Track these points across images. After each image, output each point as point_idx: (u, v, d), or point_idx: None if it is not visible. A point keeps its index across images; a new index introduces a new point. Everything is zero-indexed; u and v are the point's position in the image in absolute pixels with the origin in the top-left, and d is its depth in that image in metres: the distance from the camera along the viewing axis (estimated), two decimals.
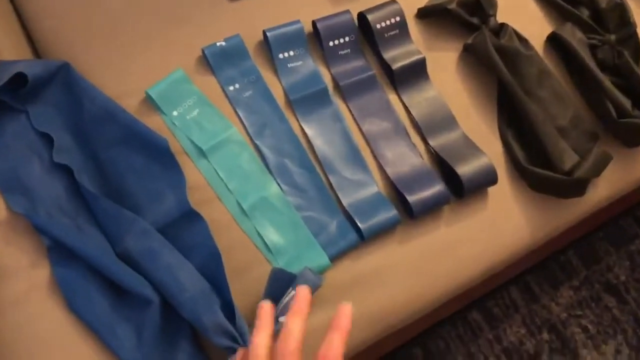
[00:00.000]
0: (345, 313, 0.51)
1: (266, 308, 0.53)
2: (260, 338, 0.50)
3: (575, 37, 0.80)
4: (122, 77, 0.70)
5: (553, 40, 0.81)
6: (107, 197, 0.65)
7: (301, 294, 0.53)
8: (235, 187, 0.67)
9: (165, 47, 0.72)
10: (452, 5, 0.77)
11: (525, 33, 0.79)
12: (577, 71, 0.80)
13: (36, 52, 0.73)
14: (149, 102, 0.69)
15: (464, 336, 1.14)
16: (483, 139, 0.75)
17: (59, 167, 0.64)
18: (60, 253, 0.61)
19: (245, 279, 0.64)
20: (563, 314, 1.18)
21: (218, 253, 0.62)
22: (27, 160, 0.64)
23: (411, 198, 0.68)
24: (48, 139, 0.65)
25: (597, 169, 0.74)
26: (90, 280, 0.60)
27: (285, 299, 0.62)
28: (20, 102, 0.66)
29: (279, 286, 0.62)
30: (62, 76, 0.68)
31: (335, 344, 0.48)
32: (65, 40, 0.71)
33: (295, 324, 0.49)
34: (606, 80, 0.76)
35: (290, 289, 0.62)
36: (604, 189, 0.78)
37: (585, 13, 0.82)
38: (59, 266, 0.60)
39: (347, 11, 0.75)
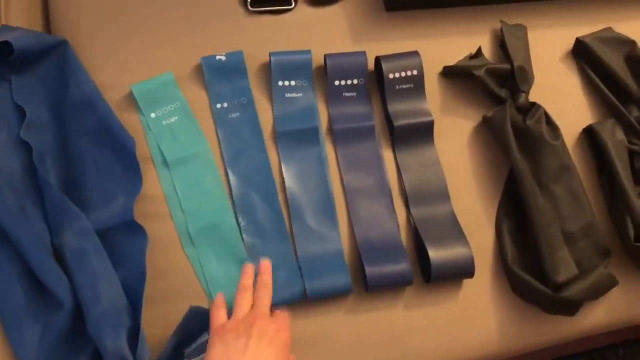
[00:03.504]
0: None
1: (249, 271, 0.57)
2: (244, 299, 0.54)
3: (614, 137, 0.70)
4: (116, 68, 0.68)
5: (589, 135, 0.72)
6: (63, 184, 0.64)
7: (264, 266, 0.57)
8: (188, 207, 0.63)
9: (168, 48, 0.69)
10: (480, 72, 0.69)
11: (560, 119, 0.70)
12: (606, 175, 0.70)
13: (48, 24, 0.72)
14: (133, 99, 0.67)
15: None
16: (475, 224, 0.67)
17: (24, 143, 0.63)
18: None
19: (171, 305, 0.60)
20: None
21: (144, 273, 0.58)
22: None
23: (369, 269, 0.61)
24: (24, 113, 0.64)
25: (595, 292, 0.64)
26: (15, 267, 0.58)
27: (201, 340, 0.57)
28: (6, 70, 0.65)
29: (196, 325, 0.57)
30: (57, 53, 0.67)
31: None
32: (72, 17, 0.69)
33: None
34: (634, 194, 0.66)
35: (205, 333, 0.57)
36: (602, 314, 0.68)
37: (634, 113, 0.72)
38: None
39: (363, 52, 0.69)
